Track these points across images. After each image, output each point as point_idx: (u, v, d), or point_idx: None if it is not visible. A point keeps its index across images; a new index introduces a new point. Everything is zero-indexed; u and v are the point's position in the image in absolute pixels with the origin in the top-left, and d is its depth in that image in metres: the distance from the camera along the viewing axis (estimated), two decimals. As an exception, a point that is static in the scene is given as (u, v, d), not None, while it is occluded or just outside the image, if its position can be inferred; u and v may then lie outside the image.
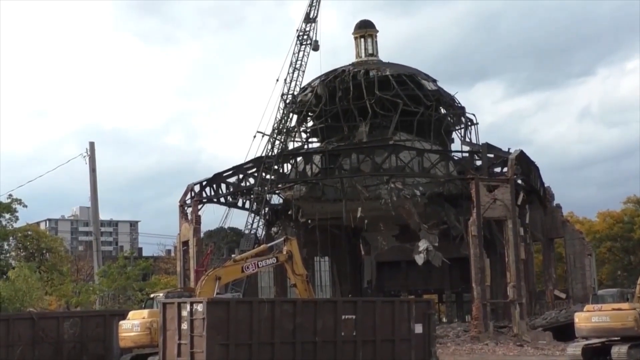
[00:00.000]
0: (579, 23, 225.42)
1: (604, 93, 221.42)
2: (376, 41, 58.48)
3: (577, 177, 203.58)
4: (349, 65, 57.06)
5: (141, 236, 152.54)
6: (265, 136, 49.97)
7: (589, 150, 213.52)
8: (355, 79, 54.59)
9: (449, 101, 56.58)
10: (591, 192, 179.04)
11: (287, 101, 49.84)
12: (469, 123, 56.26)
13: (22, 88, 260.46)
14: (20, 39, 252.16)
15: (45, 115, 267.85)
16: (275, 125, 49.79)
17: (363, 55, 57.73)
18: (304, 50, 49.90)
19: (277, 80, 49.97)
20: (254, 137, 50.26)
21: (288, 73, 49.77)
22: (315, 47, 50.30)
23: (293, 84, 49.90)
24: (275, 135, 49.78)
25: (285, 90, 49.83)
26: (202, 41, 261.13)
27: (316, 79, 56.22)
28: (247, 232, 49.46)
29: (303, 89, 54.75)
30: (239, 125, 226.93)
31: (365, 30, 58.28)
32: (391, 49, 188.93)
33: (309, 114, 57.00)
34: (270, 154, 49.64)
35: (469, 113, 56.83)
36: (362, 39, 58.08)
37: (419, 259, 51.71)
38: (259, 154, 50.31)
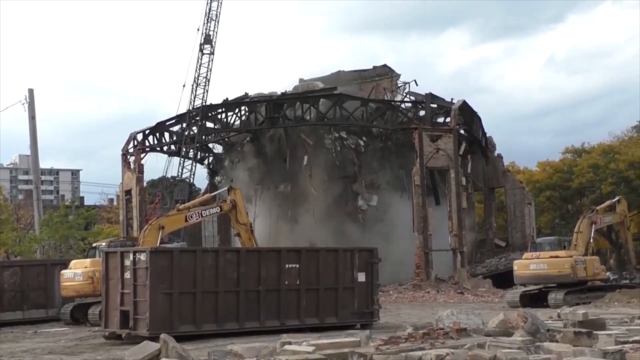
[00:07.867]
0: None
1: (571, 40, 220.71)
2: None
3: (535, 125, 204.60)
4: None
5: (83, 185, 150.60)
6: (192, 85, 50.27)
7: (550, 98, 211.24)
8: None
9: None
10: (547, 140, 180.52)
11: (205, 52, 50.37)
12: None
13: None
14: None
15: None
16: (196, 75, 50.31)
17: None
18: (217, 0, 50.36)
19: (198, 29, 50.69)
20: (184, 86, 50.69)
21: (204, 23, 50.49)
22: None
23: (212, 33, 50.47)
24: (195, 86, 50.15)
25: (202, 41, 50.32)
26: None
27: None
28: (179, 180, 49.77)
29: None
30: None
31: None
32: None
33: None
34: (203, 104, 49.86)
35: (407, 82, 56.73)
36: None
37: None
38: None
